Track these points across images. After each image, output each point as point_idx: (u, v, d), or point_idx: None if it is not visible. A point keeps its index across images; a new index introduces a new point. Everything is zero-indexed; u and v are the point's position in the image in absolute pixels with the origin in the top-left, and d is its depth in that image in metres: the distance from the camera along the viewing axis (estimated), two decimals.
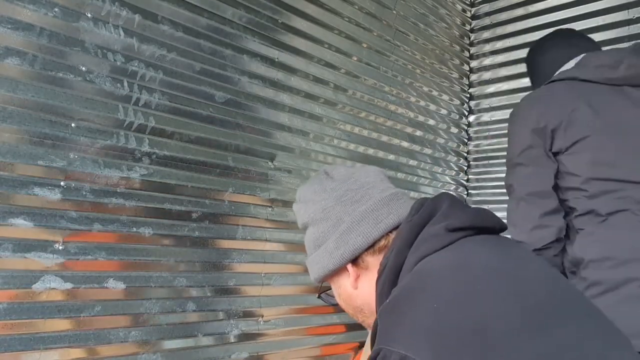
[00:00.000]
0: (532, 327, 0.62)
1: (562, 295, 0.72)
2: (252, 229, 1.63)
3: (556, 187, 1.42)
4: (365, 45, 2.06)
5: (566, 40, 1.63)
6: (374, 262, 0.86)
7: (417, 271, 0.73)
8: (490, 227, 0.81)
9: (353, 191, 0.89)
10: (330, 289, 0.98)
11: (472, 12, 2.66)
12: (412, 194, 2.26)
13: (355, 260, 0.87)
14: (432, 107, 2.41)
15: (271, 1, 1.69)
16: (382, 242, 0.86)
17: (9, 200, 1.15)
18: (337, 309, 1.02)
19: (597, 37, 2.20)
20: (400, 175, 2.22)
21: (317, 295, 1.02)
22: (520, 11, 2.47)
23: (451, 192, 2.51)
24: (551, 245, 1.38)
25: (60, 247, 1.22)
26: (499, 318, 0.62)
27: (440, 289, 0.67)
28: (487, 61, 2.60)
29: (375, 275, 0.83)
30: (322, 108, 1.87)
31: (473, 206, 0.89)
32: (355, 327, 1.88)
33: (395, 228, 0.86)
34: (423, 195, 2.30)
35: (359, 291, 0.88)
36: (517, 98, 2.45)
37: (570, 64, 1.52)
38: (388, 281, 0.78)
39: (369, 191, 0.89)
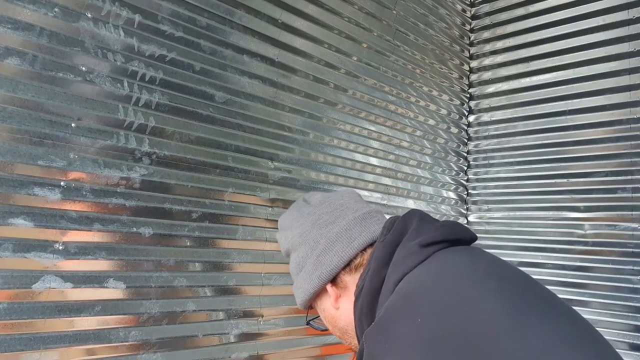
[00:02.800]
0: (517, 329, 0.63)
1: (539, 295, 0.73)
2: (252, 229, 1.63)
3: None
4: (365, 45, 2.06)
5: None
6: (351, 280, 0.88)
7: (399, 291, 0.74)
8: (461, 239, 0.82)
9: (327, 214, 0.91)
10: (317, 315, 0.99)
11: (472, 12, 2.66)
12: (412, 194, 2.26)
13: (333, 281, 0.89)
14: (432, 107, 2.41)
15: (271, 1, 1.69)
16: (358, 260, 0.88)
17: (9, 200, 1.15)
18: (328, 334, 1.03)
19: (597, 37, 2.21)
20: (400, 175, 2.22)
21: (305, 322, 1.04)
22: (520, 11, 2.47)
23: (444, 196, 2.52)
24: None
25: (60, 247, 1.22)
26: (483, 322, 0.63)
27: (422, 302, 0.68)
28: (487, 61, 2.60)
29: (353, 294, 0.85)
30: (322, 108, 1.87)
31: (443, 220, 0.91)
32: None
33: (370, 245, 0.88)
34: (423, 195, 2.30)
35: (340, 311, 0.90)
36: (517, 98, 2.47)
37: None
38: (366, 303, 0.79)
39: (342, 212, 0.91)
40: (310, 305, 0.97)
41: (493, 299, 0.67)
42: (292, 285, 0.98)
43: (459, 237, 0.82)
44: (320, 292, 0.92)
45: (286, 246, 0.96)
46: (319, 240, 0.88)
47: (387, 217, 0.91)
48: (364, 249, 0.87)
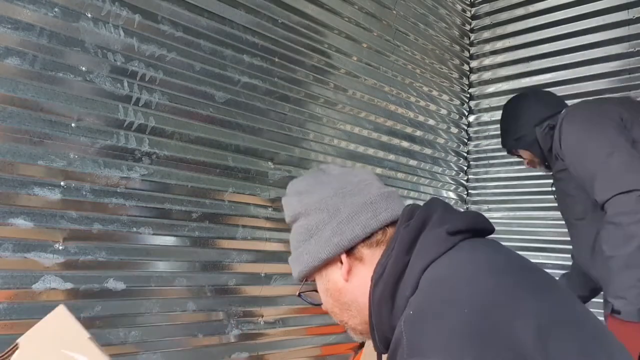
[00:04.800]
0: (557, 329, 0.64)
1: (568, 297, 0.74)
2: (252, 229, 1.63)
3: None
4: (365, 45, 2.06)
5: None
6: (369, 255, 0.85)
7: (433, 279, 0.72)
8: (484, 229, 0.82)
9: (352, 184, 0.90)
10: (311, 290, 0.94)
11: (472, 12, 2.66)
12: (412, 194, 2.26)
13: (350, 251, 0.86)
14: (432, 107, 2.41)
15: (271, 1, 1.69)
16: (379, 236, 0.86)
17: (9, 200, 1.15)
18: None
19: (597, 37, 2.21)
20: (400, 175, 2.22)
21: (297, 293, 0.96)
22: (520, 11, 2.47)
23: (444, 196, 2.52)
24: None
25: (60, 247, 1.22)
26: (526, 320, 0.63)
27: (467, 292, 0.67)
28: (487, 61, 2.60)
29: (368, 270, 0.82)
30: (322, 108, 1.87)
31: (463, 210, 0.89)
32: None
33: (391, 224, 0.86)
34: (423, 195, 2.30)
35: (349, 285, 0.86)
36: None
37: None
38: (388, 289, 0.77)
39: (367, 186, 0.90)
40: (306, 277, 0.91)
41: (532, 299, 0.67)
42: (290, 257, 0.91)
43: (482, 228, 0.82)
44: (331, 262, 0.87)
45: (297, 210, 0.90)
46: (340, 208, 0.86)
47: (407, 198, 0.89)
48: (387, 226, 0.86)
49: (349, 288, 0.86)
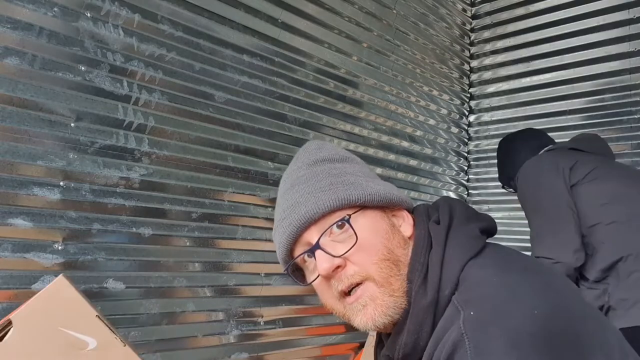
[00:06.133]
0: (603, 332, 0.66)
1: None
2: (252, 229, 1.63)
3: None
4: (365, 45, 2.06)
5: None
6: (405, 226, 0.80)
7: (482, 277, 0.69)
8: (495, 232, 0.81)
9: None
10: (294, 272, 0.84)
11: (473, 12, 2.65)
12: (412, 194, 2.26)
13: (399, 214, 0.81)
14: (432, 106, 2.41)
15: (271, 1, 1.69)
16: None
17: (8, 200, 1.15)
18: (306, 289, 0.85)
19: (597, 37, 2.21)
20: (400, 175, 2.21)
21: (284, 269, 0.85)
22: (520, 10, 2.47)
23: (450, 193, 2.51)
24: None
25: (60, 247, 1.22)
26: (588, 321, 0.65)
27: (529, 295, 0.65)
28: (488, 61, 2.60)
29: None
30: (322, 108, 1.87)
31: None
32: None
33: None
34: (423, 195, 2.30)
35: (409, 243, 0.78)
36: (517, 98, 2.46)
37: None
38: (420, 282, 0.71)
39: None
40: (360, 205, 0.77)
41: (579, 301, 0.69)
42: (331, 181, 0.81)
43: (495, 230, 0.81)
44: (389, 209, 0.79)
45: (344, 155, 0.86)
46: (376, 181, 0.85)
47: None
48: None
49: (406, 241, 0.78)
